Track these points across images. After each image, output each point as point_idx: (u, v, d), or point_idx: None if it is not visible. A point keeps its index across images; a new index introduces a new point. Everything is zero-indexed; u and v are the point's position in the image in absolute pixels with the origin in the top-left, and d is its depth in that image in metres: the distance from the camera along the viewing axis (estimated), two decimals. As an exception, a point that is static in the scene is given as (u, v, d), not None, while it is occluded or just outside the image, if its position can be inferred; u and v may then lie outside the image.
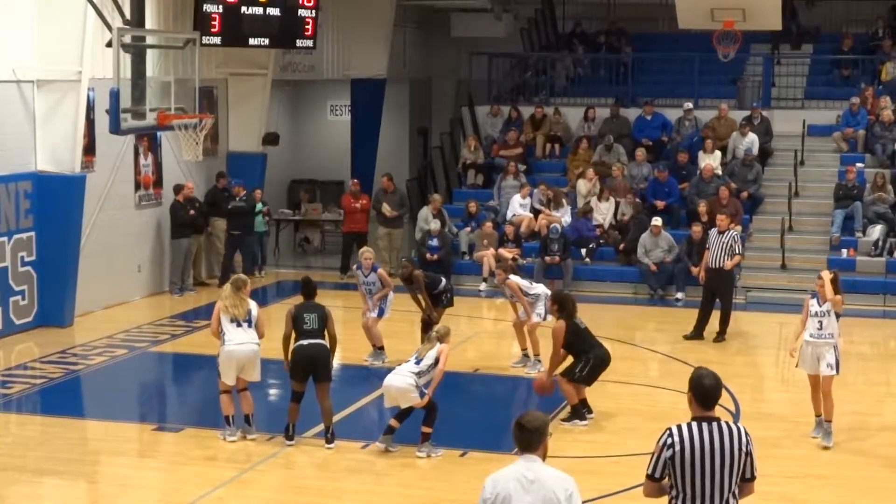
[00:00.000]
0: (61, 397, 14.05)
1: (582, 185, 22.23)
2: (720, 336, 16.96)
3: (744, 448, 6.47)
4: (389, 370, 11.95)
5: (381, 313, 15.25)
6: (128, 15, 16.42)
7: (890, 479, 11.37)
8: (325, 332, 11.77)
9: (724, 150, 22.66)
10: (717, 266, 16.80)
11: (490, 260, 20.46)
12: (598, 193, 21.94)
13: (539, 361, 14.70)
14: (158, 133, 19.16)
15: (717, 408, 6.61)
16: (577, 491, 6.03)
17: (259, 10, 19.48)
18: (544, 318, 14.60)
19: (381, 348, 15.32)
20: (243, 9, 19.20)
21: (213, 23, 18.62)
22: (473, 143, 24.01)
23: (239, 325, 11.76)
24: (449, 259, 20.97)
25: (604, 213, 21.76)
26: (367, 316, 15.27)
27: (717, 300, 17.10)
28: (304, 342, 11.63)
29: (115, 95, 15.41)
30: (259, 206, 21.48)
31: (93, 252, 17.95)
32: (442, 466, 11.36)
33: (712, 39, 21.81)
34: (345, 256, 21.81)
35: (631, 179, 22.38)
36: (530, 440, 6.03)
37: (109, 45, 15.83)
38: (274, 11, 19.74)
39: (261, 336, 11.93)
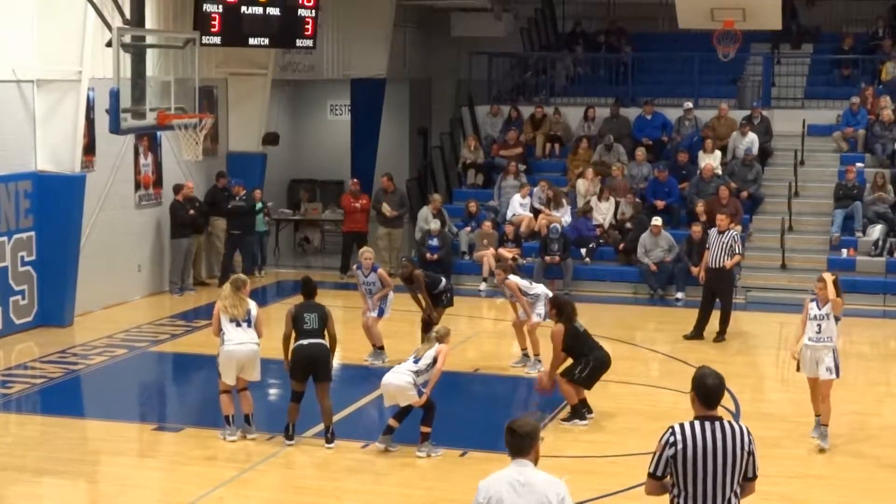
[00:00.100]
0: (61, 397, 14.05)
1: (582, 185, 22.23)
2: (720, 336, 16.95)
3: (746, 447, 6.47)
4: (389, 370, 11.95)
5: (381, 313, 15.25)
6: (128, 15, 16.43)
7: (890, 479, 11.37)
8: (325, 332, 11.77)
9: (724, 149, 22.66)
10: (717, 266, 16.79)
11: (490, 260, 20.46)
12: (598, 193, 21.94)
13: (539, 361, 14.71)
14: (158, 133, 19.16)
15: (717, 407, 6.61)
16: (569, 495, 6.06)
17: (259, 10, 19.48)
18: (544, 319, 14.59)
19: (381, 348, 15.32)
20: (243, 8, 19.20)
21: (213, 22, 18.62)
22: (473, 142, 24.01)
23: (238, 324, 11.76)
24: (449, 259, 20.97)
25: (604, 212, 21.76)
26: (367, 316, 15.27)
27: (718, 300, 17.10)
28: (304, 342, 11.63)
29: (115, 95, 15.41)
30: (259, 205, 21.48)
31: (93, 252, 17.96)
32: (442, 466, 11.36)
33: (712, 39, 21.81)
34: (345, 256, 21.82)
35: (631, 179, 22.38)
36: (521, 445, 6.07)
37: (109, 44, 15.83)
38: (274, 11, 19.74)
39: (259, 336, 11.93)
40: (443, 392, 12.11)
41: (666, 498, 6.62)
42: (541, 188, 22.09)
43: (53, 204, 16.93)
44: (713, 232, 17.02)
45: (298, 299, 12.15)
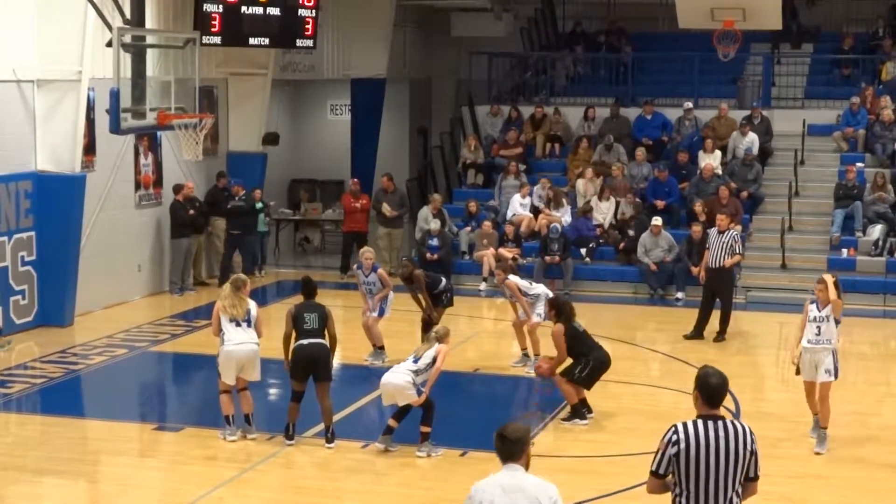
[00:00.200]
0: (61, 397, 14.05)
1: (582, 185, 22.23)
2: (720, 336, 16.95)
3: (749, 447, 6.47)
4: (389, 370, 11.94)
5: (381, 313, 15.24)
6: (128, 14, 16.43)
7: (890, 479, 11.37)
8: (326, 332, 11.77)
9: (724, 149, 22.66)
10: (718, 266, 16.79)
11: (490, 259, 20.46)
12: (599, 193, 21.94)
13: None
14: (158, 133, 19.16)
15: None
16: (560, 499, 6.08)
17: (259, 10, 19.48)
18: (544, 319, 14.59)
19: (382, 348, 15.32)
20: (243, 8, 19.20)
21: (213, 22, 18.62)
22: (473, 142, 24.02)
23: (238, 324, 11.76)
24: (449, 259, 20.97)
25: (604, 212, 21.76)
26: (367, 315, 15.27)
27: (718, 300, 17.10)
28: (305, 342, 11.63)
29: (115, 95, 15.41)
30: (260, 205, 21.47)
31: (93, 252, 17.96)
32: (442, 466, 11.36)
33: (712, 39, 21.81)
34: (345, 256, 21.82)
35: (631, 179, 22.38)
36: (512, 450, 6.10)
37: (109, 44, 15.83)
38: (274, 11, 19.74)
39: (259, 336, 11.93)
40: (443, 392, 12.12)
41: (667, 497, 6.62)
42: (541, 185, 22.11)
43: (53, 204, 16.93)
44: (713, 232, 17.02)
45: (298, 299, 12.15)
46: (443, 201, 22.33)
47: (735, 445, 6.43)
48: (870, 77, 24.66)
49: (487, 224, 21.40)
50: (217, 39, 18.91)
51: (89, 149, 17.82)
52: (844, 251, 20.53)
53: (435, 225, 21.10)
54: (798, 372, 12.02)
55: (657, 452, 6.52)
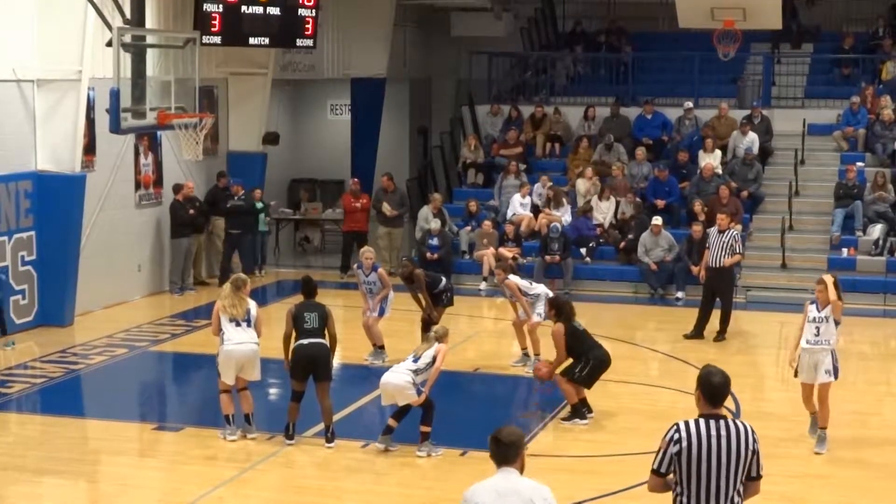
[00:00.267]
0: (61, 397, 14.05)
1: (582, 185, 22.23)
2: (720, 335, 16.95)
3: (751, 446, 6.47)
4: (389, 369, 11.94)
5: (381, 312, 15.24)
6: (128, 14, 16.43)
7: (890, 478, 11.36)
8: (326, 332, 11.77)
9: (724, 149, 22.66)
10: (718, 265, 16.79)
11: (490, 259, 20.46)
12: (599, 192, 21.94)
13: (539, 360, 14.68)
14: (158, 132, 19.16)
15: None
16: (554, 500, 6.08)
17: (259, 10, 19.48)
18: (544, 318, 14.59)
19: (382, 347, 15.32)
20: (243, 8, 19.20)
21: (213, 22, 18.62)
22: (473, 142, 24.02)
23: (238, 324, 11.76)
24: (449, 258, 20.97)
25: (604, 212, 21.76)
26: (367, 315, 15.27)
27: (718, 299, 17.09)
28: (305, 341, 11.63)
29: (115, 95, 15.42)
30: (260, 204, 21.47)
31: (93, 252, 17.96)
32: (442, 466, 11.36)
33: (712, 38, 21.81)
34: (345, 256, 21.82)
35: (631, 178, 22.38)
36: (507, 454, 6.10)
37: (109, 44, 15.84)
38: (274, 11, 19.74)
39: (259, 335, 11.92)
40: (443, 392, 12.12)
41: (668, 497, 6.62)
42: (542, 183, 22.11)
43: (53, 204, 16.93)
44: (713, 231, 17.01)
45: (298, 299, 12.15)
46: (443, 201, 22.33)
47: (737, 445, 6.43)
48: (870, 77, 24.66)
49: (487, 223, 21.40)
50: (217, 39, 18.90)
51: (89, 149, 17.81)
52: (844, 251, 20.54)
53: (435, 224, 21.10)
54: (797, 374, 12.01)
55: (658, 451, 6.51)
